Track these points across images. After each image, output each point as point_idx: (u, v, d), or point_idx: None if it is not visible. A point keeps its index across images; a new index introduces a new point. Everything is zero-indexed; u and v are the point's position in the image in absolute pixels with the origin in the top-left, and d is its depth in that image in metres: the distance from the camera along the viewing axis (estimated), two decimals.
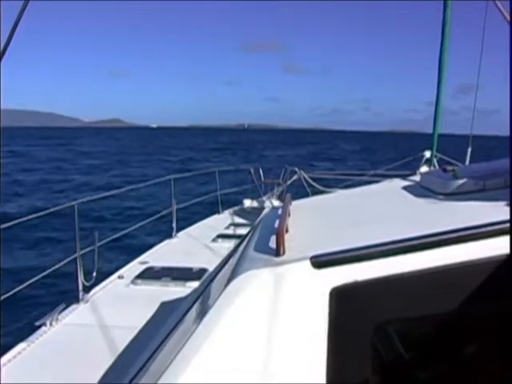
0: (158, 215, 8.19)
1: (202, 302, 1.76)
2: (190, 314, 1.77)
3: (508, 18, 3.31)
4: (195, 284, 4.00)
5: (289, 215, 1.99)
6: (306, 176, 9.57)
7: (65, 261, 5.34)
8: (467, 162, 7.58)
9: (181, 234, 7.87)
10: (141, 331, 2.30)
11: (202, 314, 1.44)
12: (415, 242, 1.36)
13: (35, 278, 5.02)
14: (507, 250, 1.32)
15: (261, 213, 6.49)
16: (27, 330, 4.37)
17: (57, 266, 5.31)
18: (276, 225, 1.71)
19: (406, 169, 7.89)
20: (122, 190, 8.19)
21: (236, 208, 10.07)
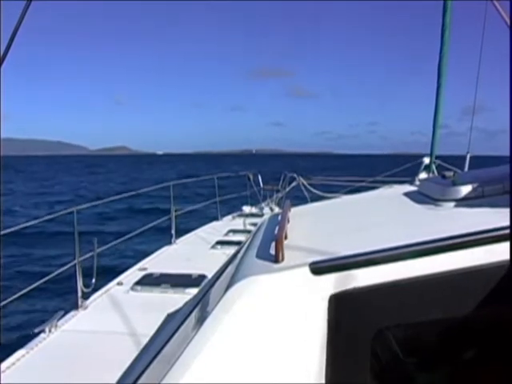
0: (158, 221, 8.19)
1: (200, 308, 1.76)
2: (188, 320, 1.77)
3: (508, 20, 3.32)
4: (194, 290, 4.00)
5: (288, 221, 1.99)
6: (305, 182, 9.58)
7: (64, 267, 5.34)
8: (466, 168, 7.59)
9: (180, 240, 7.87)
10: (146, 344, 2.30)
11: (200, 321, 1.44)
12: (414, 249, 1.37)
13: (35, 285, 5.02)
14: (507, 256, 1.33)
15: (260, 219, 6.47)
16: (26, 336, 4.36)
17: (56, 273, 5.31)
18: (275, 231, 1.71)
19: (405, 175, 7.91)
20: (122, 196, 8.19)
21: (235, 214, 10.07)
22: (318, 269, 1.36)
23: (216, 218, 9.77)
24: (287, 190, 9.70)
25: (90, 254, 5.33)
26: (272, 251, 1.52)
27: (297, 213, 2.34)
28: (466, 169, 7.60)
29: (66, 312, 4.76)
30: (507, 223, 1.38)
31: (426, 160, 8.38)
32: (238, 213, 10.10)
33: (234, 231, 8.48)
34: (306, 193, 9.37)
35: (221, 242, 7.63)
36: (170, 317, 2.40)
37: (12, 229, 4.83)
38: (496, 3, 3.41)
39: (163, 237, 8.40)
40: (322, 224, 2.16)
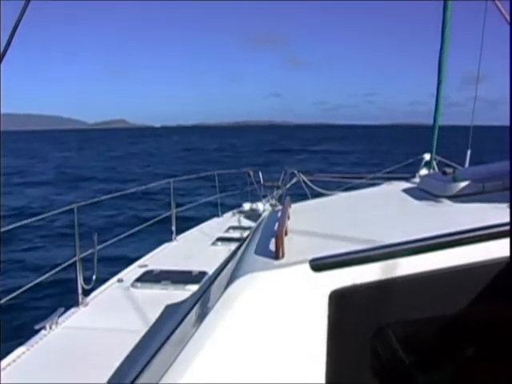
0: (158, 218, 8.19)
1: (201, 304, 1.76)
2: (189, 316, 1.77)
3: (508, 17, 3.31)
4: (195, 287, 4.00)
5: (288, 218, 1.99)
6: (305, 179, 9.56)
7: (64, 264, 5.34)
8: (467, 165, 7.57)
9: (180, 237, 7.86)
10: (145, 335, 2.31)
11: (201, 317, 1.44)
12: (415, 245, 1.37)
13: (35, 282, 5.02)
14: (507, 253, 1.33)
15: (260, 216, 6.47)
16: (27, 333, 4.36)
17: (56, 270, 5.31)
18: (275, 228, 1.71)
19: (405, 171, 7.90)
20: (122, 192, 8.19)
21: (235, 211, 10.06)
22: (319, 265, 1.36)
23: (216, 215, 9.77)
24: (287, 186, 9.68)
25: (91, 250, 5.33)
26: (272, 248, 1.52)
27: (297, 209, 2.34)
28: (467, 165, 7.59)
29: (67, 309, 4.76)
30: (507, 219, 1.38)
31: (427, 156, 8.35)
32: (239, 209, 10.09)
33: (235, 228, 8.47)
34: (306, 189, 9.36)
35: (221, 239, 7.63)
36: (168, 308, 2.40)
37: (12, 225, 4.83)
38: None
39: (163, 232, 8.40)
40: (322, 221, 2.16)
